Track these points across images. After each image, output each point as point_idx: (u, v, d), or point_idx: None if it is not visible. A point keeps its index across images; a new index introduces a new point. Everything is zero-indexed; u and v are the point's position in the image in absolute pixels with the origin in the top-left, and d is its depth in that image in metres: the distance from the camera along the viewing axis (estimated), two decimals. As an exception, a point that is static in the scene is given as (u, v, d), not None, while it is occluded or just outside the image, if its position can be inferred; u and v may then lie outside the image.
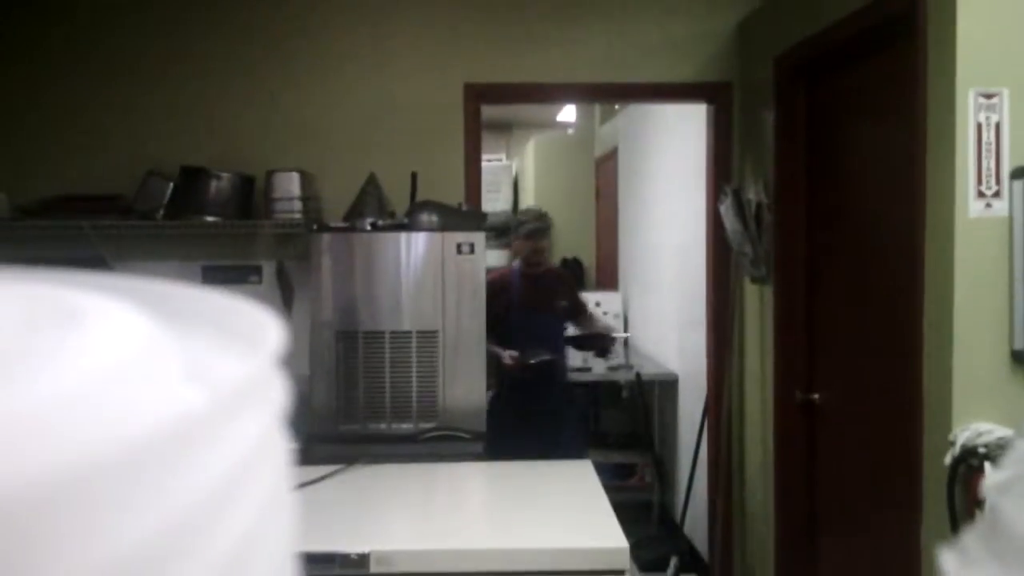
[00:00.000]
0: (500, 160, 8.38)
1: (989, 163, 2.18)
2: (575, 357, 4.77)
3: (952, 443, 2.15)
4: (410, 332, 3.03)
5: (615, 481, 4.91)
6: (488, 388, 3.17)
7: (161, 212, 3.42)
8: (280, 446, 0.33)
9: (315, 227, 3.15)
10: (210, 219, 3.43)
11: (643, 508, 4.84)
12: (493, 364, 3.69)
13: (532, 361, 3.62)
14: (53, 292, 0.32)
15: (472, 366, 3.04)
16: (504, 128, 8.55)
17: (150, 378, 0.29)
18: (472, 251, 3.03)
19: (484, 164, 3.97)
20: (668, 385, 5.11)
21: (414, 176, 3.33)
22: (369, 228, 3.10)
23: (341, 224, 3.19)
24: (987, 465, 2.05)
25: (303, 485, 2.38)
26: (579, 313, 4.13)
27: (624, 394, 5.40)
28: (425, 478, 2.63)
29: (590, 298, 4.88)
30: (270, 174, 3.45)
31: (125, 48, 3.64)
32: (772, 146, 3.42)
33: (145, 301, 0.33)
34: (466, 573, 1.94)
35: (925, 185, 2.31)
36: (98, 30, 3.64)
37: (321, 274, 3.05)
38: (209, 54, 3.67)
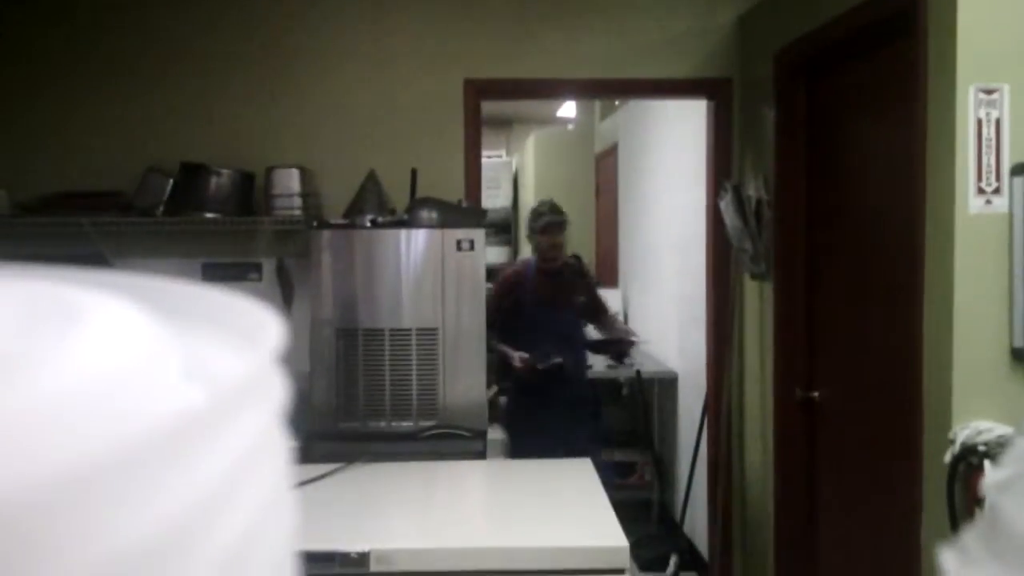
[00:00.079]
0: (500, 156, 8.38)
1: (989, 159, 2.18)
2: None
3: (952, 441, 2.15)
4: (410, 329, 3.03)
5: (615, 479, 4.91)
6: (492, 387, 3.16)
7: (161, 209, 3.42)
8: (280, 444, 0.33)
9: (315, 224, 3.15)
10: (210, 216, 3.43)
11: (643, 506, 4.84)
12: (503, 365, 3.68)
13: (540, 366, 3.59)
14: (53, 289, 0.32)
15: (472, 363, 3.04)
16: (504, 124, 8.55)
17: (150, 376, 0.29)
18: (472, 248, 3.03)
19: (484, 160, 3.97)
20: (668, 383, 5.10)
21: (414, 172, 3.33)
22: (369, 225, 3.10)
23: (341, 221, 3.19)
24: (987, 463, 2.05)
25: (303, 483, 2.38)
26: (598, 312, 4.03)
27: (624, 392, 5.39)
28: (425, 476, 2.63)
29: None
30: (270, 171, 3.45)
31: (125, 45, 3.64)
32: (772, 142, 3.42)
33: (145, 298, 0.33)
34: (466, 572, 1.94)
35: (925, 181, 2.31)
36: (98, 27, 3.64)
37: (321, 271, 3.05)
38: (209, 51, 3.66)
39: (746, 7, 3.71)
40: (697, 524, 4.43)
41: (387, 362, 3.02)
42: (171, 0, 3.66)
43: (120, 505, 0.23)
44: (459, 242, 3.03)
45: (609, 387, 5.40)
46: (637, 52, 3.77)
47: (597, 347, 4.18)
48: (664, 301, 5.24)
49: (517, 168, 8.17)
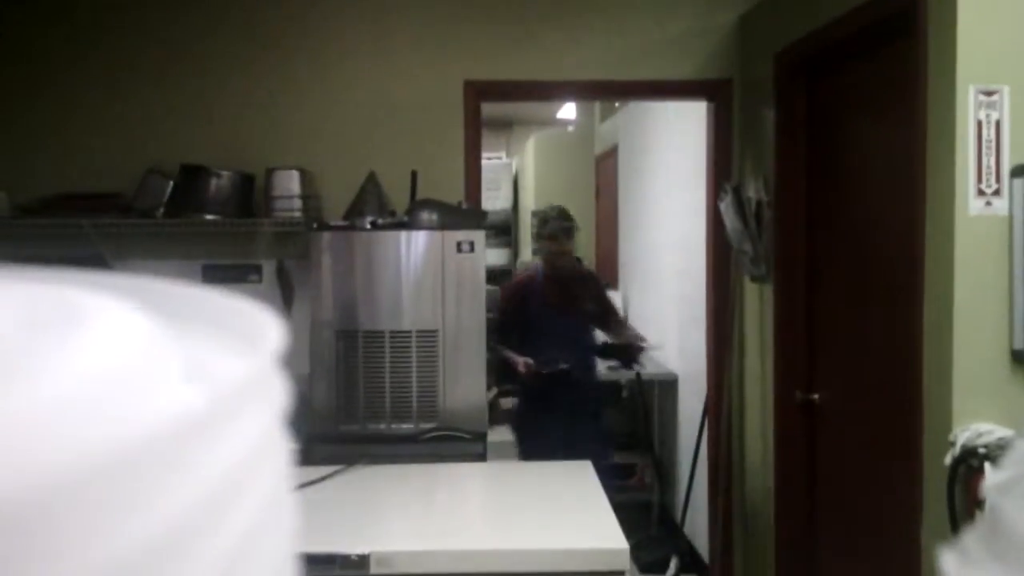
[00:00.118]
0: (500, 158, 8.38)
1: (989, 161, 2.18)
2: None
3: (952, 443, 2.15)
4: (410, 331, 3.03)
5: (615, 481, 4.90)
6: (492, 389, 3.16)
7: (161, 210, 3.42)
8: (280, 446, 0.33)
9: (315, 226, 3.15)
10: (210, 217, 3.43)
11: (643, 509, 4.84)
12: (510, 370, 3.68)
13: (544, 371, 3.59)
14: (53, 291, 0.32)
15: (472, 365, 3.04)
16: (504, 126, 8.55)
17: (150, 378, 0.29)
18: (472, 249, 3.03)
19: (484, 162, 3.97)
20: (668, 385, 5.10)
21: (414, 174, 3.33)
22: (369, 227, 3.10)
23: (341, 223, 3.19)
24: (987, 465, 2.05)
25: (303, 485, 2.38)
26: (608, 317, 3.99)
27: (624, 394, 5.39)
28: (425, 478, 2.63)
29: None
30: (270, 172, 3.45)
31: (125, 46, 3.64)
32: (772, 143, 3.42)
33: (145, 300, 0.33)
34: (466, 574, 1.93)
35: (925, 183, 2.31)
36: (98, 28, 3.64)
37: (321, 273, 3.05)
38: (209, 52, 3.66)
39: (746, 8, 3.71)
40: (697, 526, 4.43)
41: (387, 364, 3.02)
42: (171, 1, 3.66)
43: (121, 508, 0.23)
44: (459, 244, 3.03)
45: (609, 389, 5.39)
46: (637, 53, 3.78)
47: (606, 352, 4.14)
48: (664, 303, 5.24)
49: (517, 170, 8.17)
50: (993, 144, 2.18)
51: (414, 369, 3.02)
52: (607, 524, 2.10)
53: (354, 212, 3.22)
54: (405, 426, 3.01)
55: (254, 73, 3.67)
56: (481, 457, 3.00)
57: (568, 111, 7.70)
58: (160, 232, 3.50)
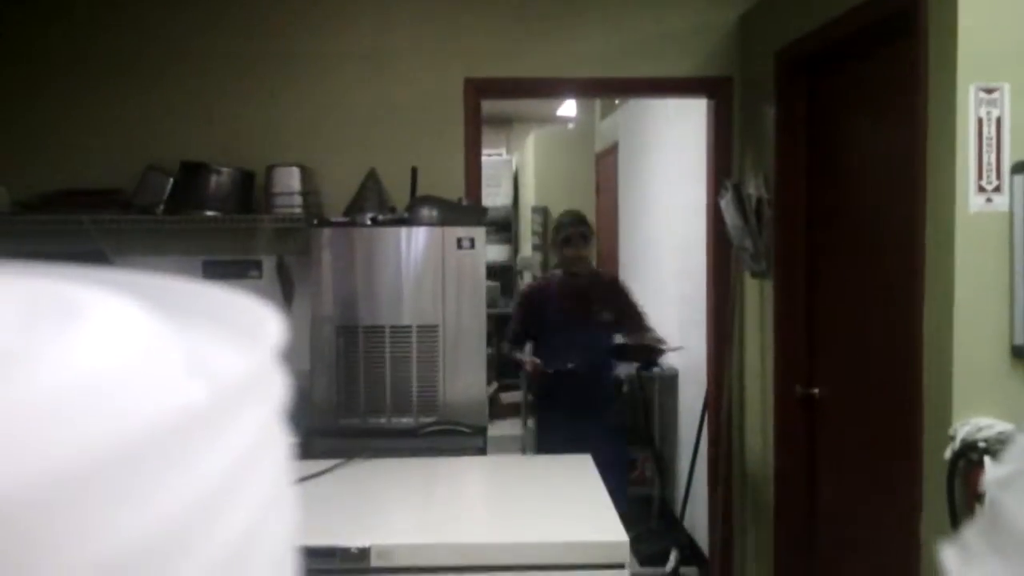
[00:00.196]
0: (500, 155, 8.39)
1: (990, 158, 2.18)
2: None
3: (952, 438, 2.15)
4: (410, 327, 3.03)
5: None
6: (492, 384, 3.17)
7: (161, 207, 3.42)
8: (280, 440, 0.33)
9: (315, 222, 3.15)
10: (210, 214, 3.43)
11: (643, 502, 4.84)
12: (519, 370, 3.69)
13: (550, 370, 3.60)
14: (53, 287, 0.32)
15: (472, 360, 3.05)
16: (504, 123, 8.55)
17: (151, 372, 0.29)
18: (472, 246, 3.04)
19: (484, 159, 3.96)
20: (668, 380, 5.11)
21: (414, 171, 3.33)
22: (369, 223, 3.10)
23: (341, 219, 3.19)
24: (987, 460, 2.06)
25: (304, 479, 2.38)
26: (631, 320, 3.89)
27: (624, 388, 5.39)
28: (425, 472, 2.63)
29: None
30: (270, 169, 3.45)
31: (125, 43, 3.64)
32: (772, 141, 3.42)
33: (145, 296, 0.33)
34: (466, 567, 1.94)
35: (926, 180, 2.31)
36: (97, 26, 3.64)
37: (321, 269, 3.05)
38: (209, 49, 3.66)
39: (747, 6, 3.70)
40: (697, 519, 4.44)
41: (387, 359, 3.02)
42: (171, -2, 3.66)
43: (120, 502, 0.23)
44: (459, 240, 3.03)
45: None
46: (637, 51, 3.77)
47: (624, 353, 4.09)
48: (664, 299, 5.24)
49: (517, 166, 8.17)
50: (994, 141, 2.18)
51: (414, 364, 3.02)
52: (607, 517, 2.10)
53: (354, 208, 3.22)
54: (405, 420, 3.02)
55: (254, 70, 3.67)
56: (481, 451, 3.01)
57: (568, 108, 7.70)
58: (160, 228, 3.49)
